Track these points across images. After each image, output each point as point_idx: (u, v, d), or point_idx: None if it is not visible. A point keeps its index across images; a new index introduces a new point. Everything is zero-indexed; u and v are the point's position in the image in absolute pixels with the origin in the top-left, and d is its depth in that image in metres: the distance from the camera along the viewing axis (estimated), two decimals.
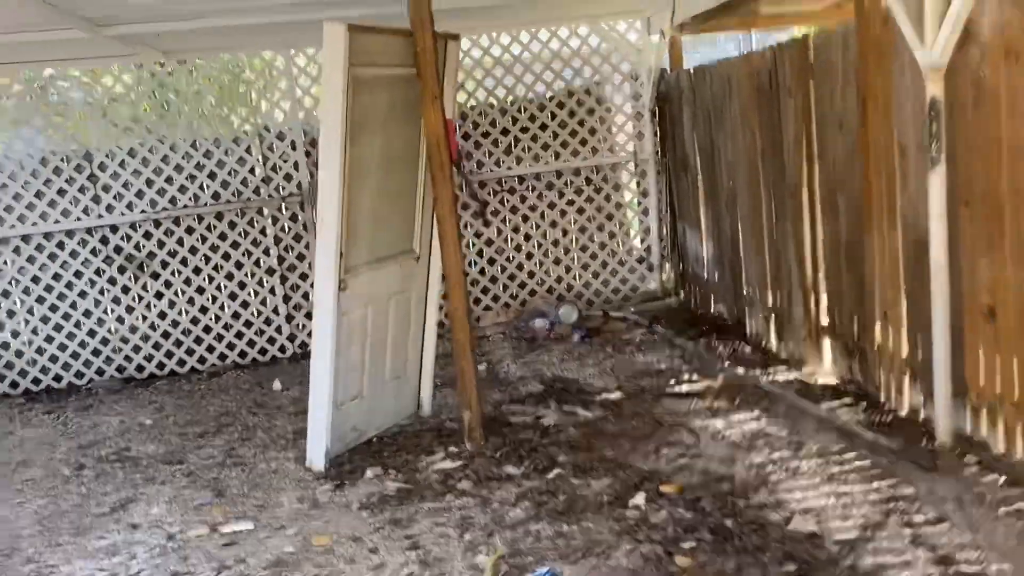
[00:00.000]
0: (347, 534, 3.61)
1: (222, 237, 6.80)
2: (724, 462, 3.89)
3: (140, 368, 6.82)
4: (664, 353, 5.80)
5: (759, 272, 5.59)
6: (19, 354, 6.69)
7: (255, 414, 5.55)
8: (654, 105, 7.03)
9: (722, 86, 5.84)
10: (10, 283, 6.63)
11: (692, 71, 6.40)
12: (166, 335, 6.83)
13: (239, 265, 6.85)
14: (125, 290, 6.75)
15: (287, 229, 6.86)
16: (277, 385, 6.14)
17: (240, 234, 6.82)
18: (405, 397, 4.93)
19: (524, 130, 6.99)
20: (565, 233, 7.19)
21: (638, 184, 7.25)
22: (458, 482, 3.99)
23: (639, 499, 3.58)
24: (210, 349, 6.89)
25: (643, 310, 6.92)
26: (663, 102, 6.99)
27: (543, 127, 7.01)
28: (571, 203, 7.12)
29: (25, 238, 6.56)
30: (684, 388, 5.00)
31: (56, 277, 6.64)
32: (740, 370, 5.17)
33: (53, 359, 6.73)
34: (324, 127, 3.91)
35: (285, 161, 6.78)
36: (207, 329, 6.86)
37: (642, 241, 7.31)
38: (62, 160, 6.54)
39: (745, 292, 5.86)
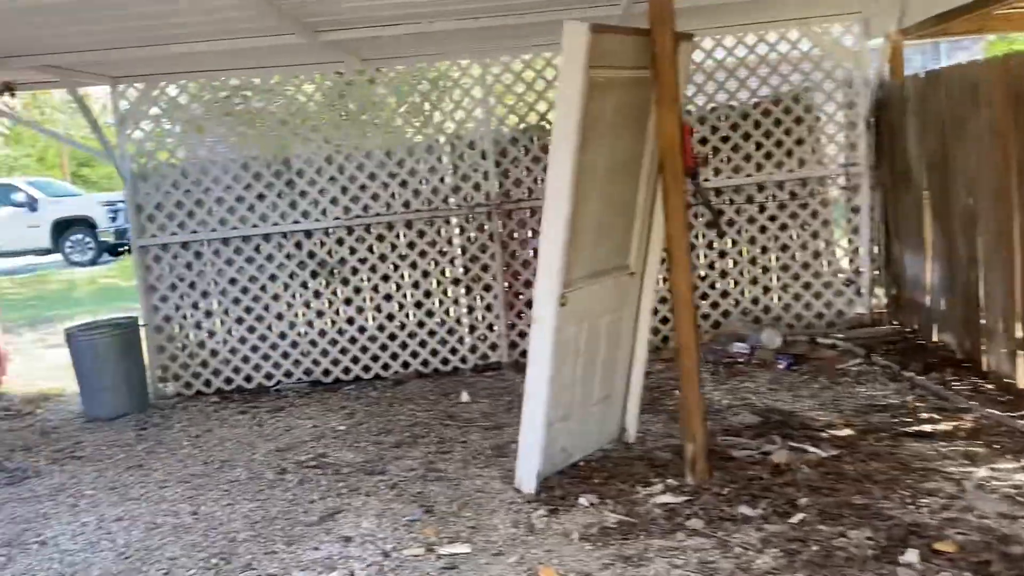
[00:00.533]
0: (575, 568, 3.35)
1: (411, 246, 6.77)
2: (1005, 519, 3.37)
3: (327, 372, 6.88)
4: (888, 387, 5.26)
5: (1005, 301, 4.95)
6: (214, 353, 6.89)
7: (447, 426, 5.41)
8: (871, 114, 6.47)
9: (964, 93, 5.24)
10: (209, 284, 6.84)
11: (923, 76, 5.81)
12: (353, 340, 6.85)
13: (425, 274, 6.79)
14: (316, 295, 6.84)
15: (473, 240, 6.76)
16: (465, 397, 6.00)
17: (428, 243, 6.77)
18: (610, 421, 4.65)
19: (725, 139, 6.59)
20: (765, 250, 6.72)
21: (848, 200, 6.68)
22: (686, 519, 3.66)
23: (911, 556, 3.12)
24: (394, 356, 6.86)
25: (852, 337, 6.35)
26: (880, 111, 6.42)
27: (746, 136, 6.59)
28: (773, 218, 6.65)
29: (225, 240, 6.76)
30: (926, 428, 4.46)
31: (252, 279, 6.80)
32: (988, 410, 4.57)
33: (245, 360, 6.89)
34: (557, 132, 3.70)
35: (475, 170, 6.68)
36: (392, 336, 6.84)
37: (850, 262, 6.73)
38: (263, 165, 6.70)
39: (983, 322, 5.22)
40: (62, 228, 18.36)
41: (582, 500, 3.98)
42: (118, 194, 21.41)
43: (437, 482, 4.44)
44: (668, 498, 3.89)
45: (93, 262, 18.20)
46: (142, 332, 6.72)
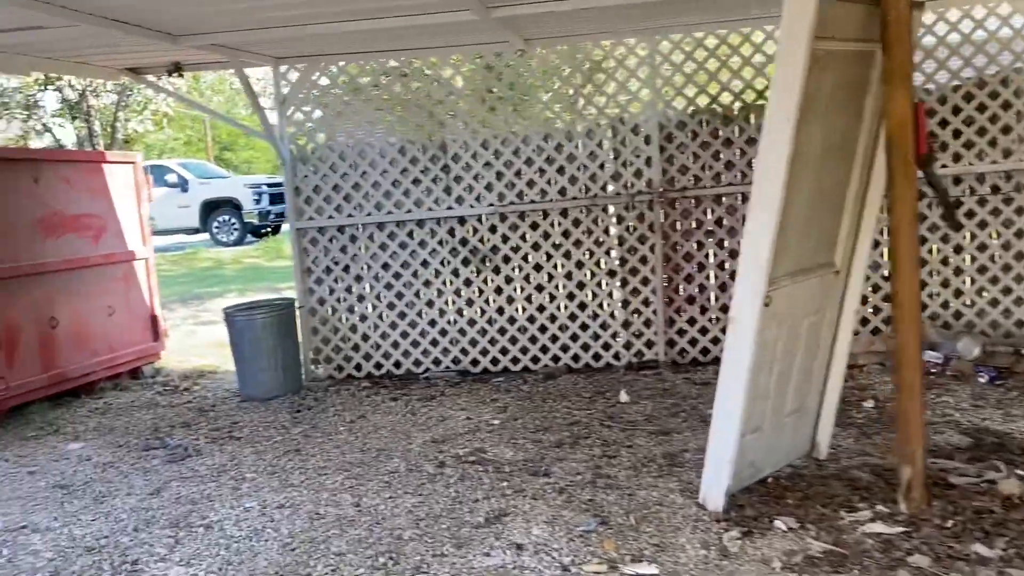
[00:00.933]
0: None
1: (565, 235, 6.49)
2: None
3: (475, 362, 6.70)
4: None
5: None
6: (365, 338, 6.82)
7: (609, 427, 5.11)
8: None
9: None
10: (362, 268, 6.78)
11: None
12: (502, 331, 6.64)
13: (579, 265, 6.49)
14: (467, 283, 6.66)
15: (632, 230, 6.40)
16: (624, 397, 5.68)
17: (584, 232, 6.46)
18: (801, 435, 4.22)
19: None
20: (959, 250, 6.06)
21: None
22: (907, 555, 3.21)
23: None
24: (544, 349, 6.61)
25: None
26: None
27: (943, 123, 5.94)
28: (971, 215, 5.98)
29: (380, 225, 6.67)
30: None
31: (404, 265, 6.69)
32: None
33: (395, 345, 6.80)
34: (774, 110, 3.30)
35: (637, 156, 6.31)
36: (543, 328, 6.58)
37: None
38: (419, 150, 6.56)
39: None
40: (210, 209, 19.16)
41: (778, 523, 3.58)
42: (262, 177, 22.23)
43: (608, 490, 4.13)
44: (880, 527, 3.44)
45: (238, 242, 18.92)
46: (297, 314, 6.73)
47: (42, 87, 15.78)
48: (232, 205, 19.01)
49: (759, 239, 3.41)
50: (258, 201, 18.85)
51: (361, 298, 6.81)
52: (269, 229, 19.69)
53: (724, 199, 6.29)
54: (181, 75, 6.54)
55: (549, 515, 3.90)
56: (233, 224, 19.07)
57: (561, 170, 6.41)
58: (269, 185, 19.12)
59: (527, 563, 3.46)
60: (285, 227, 20.49)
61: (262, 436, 5.52)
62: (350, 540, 3.81)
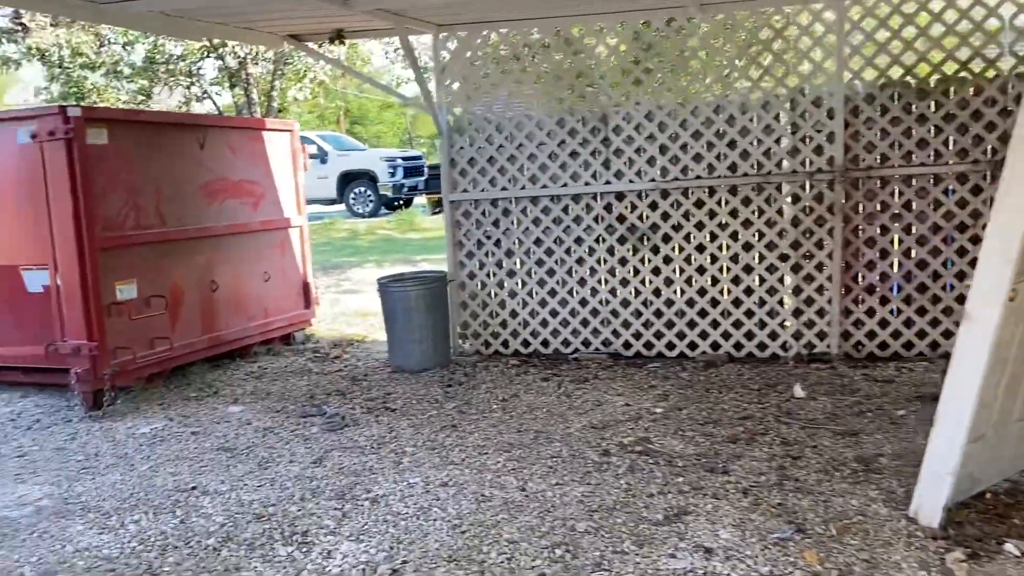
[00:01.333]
0: None
1: (733, 214, 6.08)
2: None
3: (627, 345, 6.41)
4: None
5: None
6: (514, 314, 6.65)
7: (786, 425, 4.73)
8: None
9: None
10: (514, 243, 6.60)
11: None
12: (658, 314, 6.32)
13: (747, 247, 6.08)
14: (623, 262, 6.36)
15: (808, 211, 5.93)
16: (799, 391, 5.27)
17: (754, 212, 6.04)
18: None
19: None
20: None
21: None
22: None
23: None
24: (703, 335, 6.25)
25: None
26: None
27: None
28: None
29: (534, 199, 6.46)
30: None
31: (557, 241, 6.46)
32: None
33: (544, 323, 6.60)
34: None
35: (818, 131, 5.83)
36: (703, 313, 6.22)
37: None
38: (578, 121, 6.29)
39: None
40: (347, 180, 19.56)
41: (1008, 547, 3.15)
42: (397, 151, 22.56)
43: (799, 494, 3.78)
44: None
45: (373, 214, 19.26)
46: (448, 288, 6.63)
47: (204, 55, 16.43)
48: (368, 177, 19.34)
49: (1009, 228, 2.96)
50: (393, 174, 19.11)
51: (511, 273, 6.64)
52: (402, 202, 19.95)
53: (914, 180, 5.73)
54: (342, 42, 6.50)
55: (736, 518, 3.59)
56: (369, 196, 19.41)
57: (732, 144, 6.00)
58: (404, 159, 19.34)
59: (719, 570, 3.17)
60: (417, 201, 20.74)
61: (416, 409, 5.44)
62: (521, 527, 3.63)
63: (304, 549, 3.54)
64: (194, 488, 4.28)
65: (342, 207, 20.00)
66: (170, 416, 5.57)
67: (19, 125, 5.61)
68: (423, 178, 20.07)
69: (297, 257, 7.51)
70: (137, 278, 5.83)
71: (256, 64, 16.56)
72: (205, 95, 18.23)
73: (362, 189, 19.42)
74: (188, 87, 17.55)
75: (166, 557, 3.53)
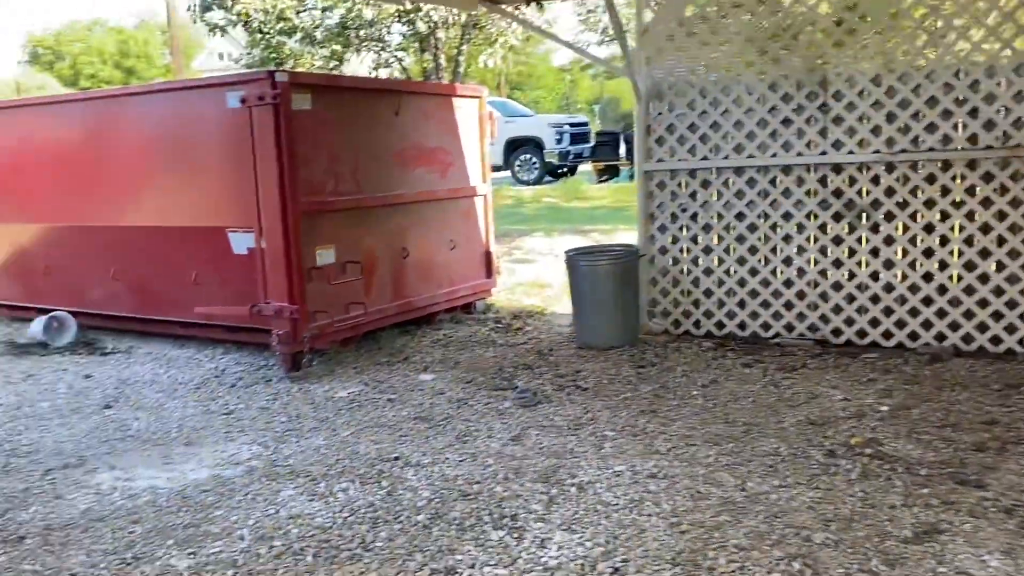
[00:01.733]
0: None
1: (970, 191, 5.41)
2: None
3: (836, 332, 5.89)
4: None
5: None
6: (708, 293, 6.26)
7: None
8: None
9: None
10: (712, 217, 6.19)
11: None
12: (875, 299, 5.75)
13: (986, 229, 5.40)
14: (837, 241, 5.82)
15: None
16: None
17: (996, 189, 5.34)
18: None
19: None
20: None
21: None
22: None
23: None
24: (926, 325, 5.63)
25: None
26: None
27: None
28: None
29: (738, 170, 6.01)
30: None
31: (762, 216, 6.00)
32: None
33: (741, 304, 6.17)
34: None
35: None
36: (927, 301, 5.60)
37: None
38: (793, 86, 5.77)
39: None
40: (513, 147, 19.52)
41: None
42: (563, 117, 22.28)
43: None
44: None
45: (537, 181, 19.15)
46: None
47: (394, 20, 16.70)
48: (534, 144, 19.21)
49: None
50: (559, 141, 18.89)
51: (708, 250, 6.24)
52: (567, 169, 19.70)
53: None
54: (540, 5, 6.26)
55: (1003, 542, 3.12)
56: (534, 163, 19.30)
57: (975, 112, 5.31)
58: (572, 125, 19.05)
59: None
60: (582, 168, 20.43)
61: (609, 390, 5.20)
62: (748, 532, 3.31)
63: (515, 535, 3.39)
64: (397, 458, 4.23)
65: (506, 173, 20.00)
66: (365, 381, 5.61)
67: (228, 90, 5.75)
68: (589, 145, 19.72)
69: (480, 226, 7.42)
70: (335, 243, 5.89)
71: (447, 29, 16.65)
72: (395, 59, 18.54)
73: (528, 156, 19.33)
74: (379, 52, 17.90)
75: (378, 531, 3.47)
